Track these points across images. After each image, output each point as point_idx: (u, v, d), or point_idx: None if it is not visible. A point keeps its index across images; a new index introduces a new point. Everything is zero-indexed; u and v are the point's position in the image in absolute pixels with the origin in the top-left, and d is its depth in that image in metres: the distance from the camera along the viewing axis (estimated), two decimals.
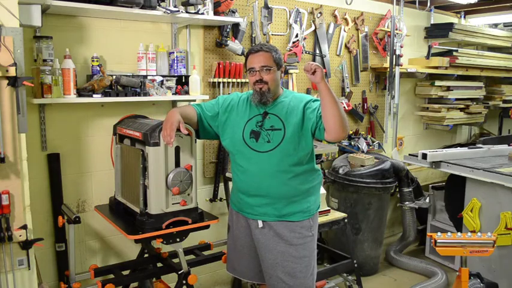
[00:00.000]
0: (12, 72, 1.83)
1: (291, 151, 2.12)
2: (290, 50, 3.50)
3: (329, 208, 3.08)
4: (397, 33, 4.04)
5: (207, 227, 2.37)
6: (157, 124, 2.21)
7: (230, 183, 3.24)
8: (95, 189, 2.76)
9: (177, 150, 2.23)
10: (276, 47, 2.19)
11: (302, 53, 3.54)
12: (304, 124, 2.12)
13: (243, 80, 3.23)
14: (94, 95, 2.48)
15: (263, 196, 2.16)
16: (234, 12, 3.03)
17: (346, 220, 3.04)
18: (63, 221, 2.32)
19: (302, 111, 2.12)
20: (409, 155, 3.88)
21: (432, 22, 4.61)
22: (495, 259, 3.13)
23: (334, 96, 1.96)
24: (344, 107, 3.84)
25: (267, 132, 2.14)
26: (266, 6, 3.32)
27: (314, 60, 3.68)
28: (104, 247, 2.85)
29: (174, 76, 2.84)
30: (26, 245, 1.99)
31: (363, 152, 3.90)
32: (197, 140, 2.30)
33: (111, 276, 2.43)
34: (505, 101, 5.08)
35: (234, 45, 3.09)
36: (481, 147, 3.84)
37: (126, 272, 2.52)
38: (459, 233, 2.43)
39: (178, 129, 2.06)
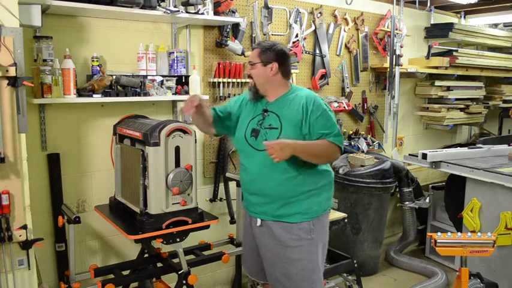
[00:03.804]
0: (12, 72, 1.83)
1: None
2: (290, 50, 3.50)
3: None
4: (397, 33, 4.04)
5: (207, 227, 2.37)
6: (158, 124, 2.21)
7: (230, 183, 3.25)
8: (95, 189, 2.75)
9: (177, 150, 2.23)
10: (275, 43, 2.18)
11: (302, 53, 3.54)
12: (302, 128, 2.09)
13: (243, 80, 3.23)
14: (94, 95, 2.48)
15: (261, 195, 2.17)
16: (234, 12, 3.03)
17: (346, 220, 3.04)
18: (63, 221, 2.32)
19: (302, 112, 2.08)
20: (409, 155, 3.88)
21: (432, 22, 4.61)
22: (495, 259, 3.13)
23: (310, 151, 2.06)
24: (344, 107, 3.84)
25: (265, 131, 2.13)
26: (266, 6, 3.32)
27: (314, 60, 3.68)
28: (104, 247, 2.85)
29: (174, 76, 2.84)
30: (26, 245, 1.99)
31: (362, 152, 3.90)
32: (197, 140, 2.31)
33: (111, 276, 2.43)
34: (505, 101, 5.08)
35: (234, 45, 3.09)
36: (481, 147, 3.84)
37: (126, 272, 2.52)
38: (459, 233, 2.43)
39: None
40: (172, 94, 2.79)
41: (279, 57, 2.15)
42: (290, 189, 2.12)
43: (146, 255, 2.68)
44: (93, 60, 2.57)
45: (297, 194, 2.12)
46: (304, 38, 3.57)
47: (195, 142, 2.30)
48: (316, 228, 2.17)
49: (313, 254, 2.17)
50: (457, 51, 4.44)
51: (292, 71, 3.49)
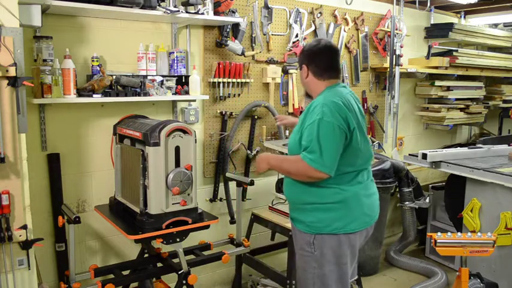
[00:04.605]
0: (12, 72, 1.83)
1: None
2: (290, 50, 3.50)
3: None
4: (397, 33, 4.04)
5: (207, 227, 2.37)
6: (158, 124, 2.21)
7: (230, 183, 3.25)
8: (95, 189, 2.75)
9: (177, 150, 2.23)
10: (308, 43, 2.18)
11: None
12: (297, 136, 2.07)
13: (243, 80, 3.23)
14: (94, 95, 2.48)
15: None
16: (234, 12, 3.03)
17: None
18: (63, 221, 2.32)
19: (303, 119, 2.04)
20: (409, 155, 3.88)
21: (432, 22, 4.61)
22: (495, 259, 3.13)
23: (281, 166, 2.09)
24: None
25: None
26: (266, 6, 3.32)
27: None
28: (104, 247, 2.85)
29: (174, 76, 2.84)
30: (26, 245, 1.99)
31: None
32: (197, 140, 2.31)
33: (111, 276, 2.43)
34: (505, 101, 5.08)
35: (234, 45, 3.09)
36: (481, 147, 3.84)
37: (126, 272, 2.52)
38: (459, 233, 2.43)
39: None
40: (172, 94, 2.79)
41: (307, 58, 2.11)
42: (296, 195, 2.11)
43: (146, 255, 2.68)
44: (93, 60, 2.56)
45: (302, 202, 2.08)
46: (304, 38, 3.57)
47: (195, 142, 2.30)
48: (320, 245, 2.05)
49: (315, 268, 2.07)
50: (457, 51, 4.44)
51: (292, 71, 3.50)
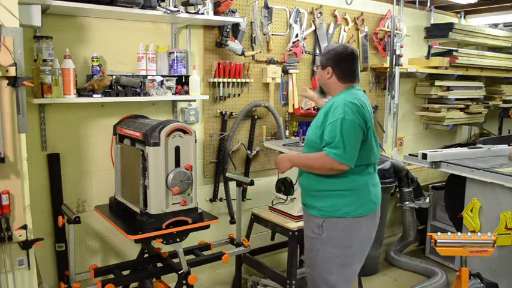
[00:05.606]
0: (12, 72, 1.83)
1: (306, 150, 2.33)
2: (290, 50, 3.50)
3: None
4: (397, 33, 4.04)
5: (207, 227, 2.37)
6: (158, 124, 2.21)
7: (230, 183, 3.25)
8: (95, 189, 2.75)
9: (177, 150, 2.23)
10: (336, 46, 2.28)
11: (302, 53, 3.54)
12: (318, 132, 2.22)
13: (243, 80, 3.23)
14: (94, 95, 2.48)
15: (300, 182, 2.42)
16: (234, 12, 3.03)
17: None
18: (63, 221, 2.32)
19: (324, 117, 2.20)
20: (409, 155, 3.88)
21: (432, 22, 4.61)
22: (495, 259, 3.13)
23: (305, 162, 2.28)
24: None
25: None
26: (266, 6, 3.32)
27: (314, 60, 3.68)
28: (104, 247, 2.85)
29: (174, 76, 2.84)
30: (26, 245, 1.99)
31: None
32: (197, 140, 2.32)
33: (111, 276, 2.43)
34: (505, 101, 5.08)
35: (234, 45, 3.09)
36: (481, 147, 3.84)
37: (126, 272, 2.52)
38: (459, 233, 2.44)
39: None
40: (172, 94, 2.79)
41: (334, 62, 2.27)
42: (310, 184, 2.28)
43: (146, 255, 2.68)
44: (93, 60, 2.57)
45: (316, 190, 2.26)
46: (304, 38, 3.57)
47: (195, 142, 2.30)
48: (328, 227, 2.23)
49: (321, 251, 2.25)
50: (457, 51, 4.44)
51: (292, 71, 3.50)
